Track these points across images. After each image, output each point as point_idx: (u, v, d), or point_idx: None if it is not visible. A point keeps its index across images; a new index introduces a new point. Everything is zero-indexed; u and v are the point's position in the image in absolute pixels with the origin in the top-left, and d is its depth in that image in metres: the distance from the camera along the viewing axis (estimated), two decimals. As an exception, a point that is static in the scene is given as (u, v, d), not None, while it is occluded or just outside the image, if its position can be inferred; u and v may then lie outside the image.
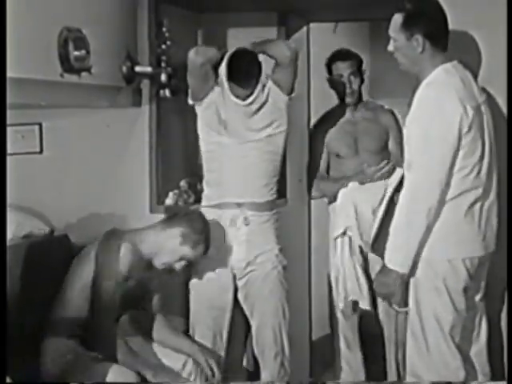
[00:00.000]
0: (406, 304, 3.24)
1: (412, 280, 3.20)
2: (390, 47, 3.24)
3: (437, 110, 3.06)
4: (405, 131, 3.25)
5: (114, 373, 3.25)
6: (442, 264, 3.14)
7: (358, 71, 4.36)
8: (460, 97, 3.10)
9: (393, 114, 4.42)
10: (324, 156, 4.38)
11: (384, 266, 3.18)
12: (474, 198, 3.15)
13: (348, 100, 4.35)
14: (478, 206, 3.17)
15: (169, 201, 4.13)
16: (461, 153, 3.09)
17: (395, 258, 3.14)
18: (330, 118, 4.43)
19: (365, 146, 4.30)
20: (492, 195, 3.22)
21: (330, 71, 4.39)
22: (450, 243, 3.15)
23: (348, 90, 4.32)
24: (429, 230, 3.10)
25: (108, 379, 3.24)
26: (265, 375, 3.79)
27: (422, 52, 3.16)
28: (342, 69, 4.33)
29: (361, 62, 4.39)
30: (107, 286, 3.35)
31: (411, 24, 3.15)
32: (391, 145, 4.32)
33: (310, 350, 5.02)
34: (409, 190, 3.11)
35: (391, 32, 3.22)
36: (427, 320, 3.18)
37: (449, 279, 3.15)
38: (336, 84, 4.36)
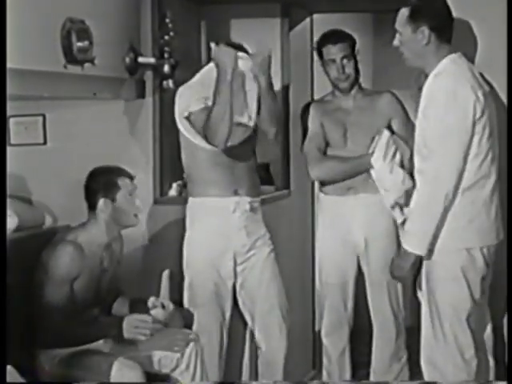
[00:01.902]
0: (419, 287, 3.31)
1: (427, 269, 3.24)
2: (396, 42, 3.27)
3: (450, 99, 3.11)
4: (418, 123, 3.27)
5: (118, 366, 3.26)
6: (460, 253, 3.19)
7: (352, 54, 4.02)
8: (471, 84, 3.16)
9: (392, 94, 4.11)
10: (320, 137, 4.09)
11: (401, 250, 3.23)
12: (491, 186, 3.21)
13: (342, 85, 4.03)
14: (494, 193, 3.22)
15: (172, 192, 4.14)
16: (475, 138, 3.15)
17: (413, 241, 3.19)
18: (323, 104, 4.16)
19: (354, 138, 4.03)
20: (499, 183, 3.26)
21: (320, 54, 4.07)
22: (469, 232, 3.19)
23: (341, 76, 4.00)
24: (444, 214, 3.15)
25: (113, 373, 3.24)
26: (272, 351, 3.80)
27: (427, 44, 3.20)
28: (334, 53, 3.99)
29: (354, 43, 4.06)
30: (51, 289, 3.32)
31: (417, 16, 3.19)
32: (397, 128, 4.01)
33: (312, 341, 5.03)
34: (427, 176, 3.16)
35: (397, 26, 3.26)
36: (444, 309, 3.22)
37: (467, 268, 3.19)
38: (328, 69, 4.04)
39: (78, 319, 3.37)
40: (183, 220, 3.97)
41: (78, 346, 3.35)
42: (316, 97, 4.96)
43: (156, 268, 3.99)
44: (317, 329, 5.03)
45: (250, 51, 3.66)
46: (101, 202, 3.43)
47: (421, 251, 3.18)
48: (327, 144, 4.07)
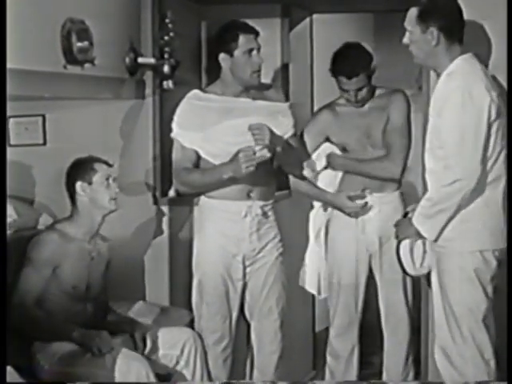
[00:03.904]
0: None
1: (440, 271, 3.29)
2: (406, 40, 3.27)
3: (467, 99, 3.12)
4: (431, 123, 3.27)
5: (123, 358, 3.28)
6: (474, 255, 3.22)
7: (368, 81, 3.89)
8: (485, 85, 3.17)
9: (403, 94, 3.99)
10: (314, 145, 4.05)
11: (409, 219, 3.35)
12: (502, 187, 3.23)
13: (354, 105, 3.95)
14: (504, 195, 3.24)
15: (172, 192, 4.13)
16: (491, 140, 3.16)
17: (424, 224, 3.27)
18: (336, 108, 4.05)
19: (373, 141, 3.99)
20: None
21: (334, 75, 3.92)
22: (483, 234, 3.22)
23: (353, 101, 3.92)
24: (458, 210, 3.20)
25: (118, 365, 3.25)
26: (264, 354, 3.81)
27: (437, 45, 3.21)
28: (347, 85, 3.87)
29: (370, 67, 3.90)
30: (28, 271, 3.40)
31: (426, 17, 3.19)
32: (388, 127, 3.94)
33: (313, 342, 5.03)
34: (447, 176, 3.16)
35: (407, 25, 3.26)
36: (460, 311, 3.24)
37: (480, 270, 3.23)
38: (340, 91, 3.94)
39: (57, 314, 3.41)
40: (183, 220, 3.98)
41: (43, 337, 3.37)
42: (315, 98, 4.97)
43: (155, 268, 3.99)
44: (317, 329, 5.03)
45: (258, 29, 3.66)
46: (78, 185, 3.54)
47: (430, 236, 3.26)
48: (344, 149, 4.02)
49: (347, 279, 4.07)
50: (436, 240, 3.27)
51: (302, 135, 4.03)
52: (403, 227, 3.42)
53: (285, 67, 4.79)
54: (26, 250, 3.43)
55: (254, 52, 3.59)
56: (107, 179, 3.57)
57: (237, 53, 3.59)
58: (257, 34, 3.62)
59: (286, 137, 3.71)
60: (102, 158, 3.61)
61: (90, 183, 3.54)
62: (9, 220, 3.54)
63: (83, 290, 3.52)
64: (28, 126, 4.02)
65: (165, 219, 4.06)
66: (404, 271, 3.51)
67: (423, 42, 3.21)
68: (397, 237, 3.47)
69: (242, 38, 3.58)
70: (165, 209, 4.05)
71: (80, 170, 3.57)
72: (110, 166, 3.60)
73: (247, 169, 3.48)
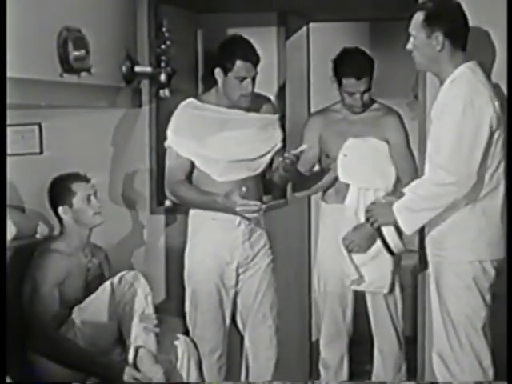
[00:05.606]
0: None
1: (438, 278, 3.28)
2: (409, 45, 3.25)
3: (468, 107, 3.10)
4: (432, 129, 3.26)
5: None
6: (472, 265, 3.22)
7: (371, 81, 3.85)
8: (488, 93, 3.15)
9: (399, 116, 3.97)
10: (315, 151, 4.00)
11: (386, 204, 3.31)
12: (501, 196, 3.22)
13: (356, 110, 3.90)
14: (504, 204, 3.23)
15: (168, 202, 4.13)
16: (491, 149, 3.14)
17: (403, 215, 3.23)
18: (327, 113, 4.03)
19: None
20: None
21: (337, 76, 3.87)
22: (479, 244, 3.21)
23: (358, 105, 3.87)
24: (445, 213, 3.18)
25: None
26: (261, 362, 3.82)
27: (441, 50, 3.19)
28: (356, 87, 3.82)
29: (374, 68, 3.90)
30: (42, 296, 3.40)
31: (432, 21, 3.17)
32: (393, 153, 3.89)
33: (309, 351, 5.02)
34: (440, 176, 3.13)
35: (412, 30, 3.24)
36: (458, 319, 3.24)
37: (479, 278, 3.22)
38: (344, 96, 3.87)
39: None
40: (179, 230, 3.97)
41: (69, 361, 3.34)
42: (312, 106, 4.97)
43: (152, 277, 3.98)
44: (313, 338, 5.03)
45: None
46: (60, 210, 3.56)
47: (407, 230, 3.23)
48: (327, 156, 3.98)
49: (333, 287, 4.05)
50: (410, 234, 3.28)
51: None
52: (382, 213, 3.34)
53: (281, 76, 4.79)
54: (31, 273, 3.43)
55: (248, 80, 3.57)
56: (88, 197, 3.56)
57: (230, 75, 3.58)
58: (257, 61, 3.59)
59: (275, 150, 3.74)
60: (80, 173, 3.59)
61: (70, 206, 3.54)
62: (9, 236, 3.55)
63: (82, 297, 3.52)
64: (24, 135, 4.02)
65: (161, 228, 4.06)
66: (390, 253, 3.48)
67: (427, 46, 3.19)
68: (372, 222, 3.40)
69: (238, 64, 3.55)
70: (161, 218, 4.05)
71: (59, 193, 3.57)
72: (88, 181, 3.60)
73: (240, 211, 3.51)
